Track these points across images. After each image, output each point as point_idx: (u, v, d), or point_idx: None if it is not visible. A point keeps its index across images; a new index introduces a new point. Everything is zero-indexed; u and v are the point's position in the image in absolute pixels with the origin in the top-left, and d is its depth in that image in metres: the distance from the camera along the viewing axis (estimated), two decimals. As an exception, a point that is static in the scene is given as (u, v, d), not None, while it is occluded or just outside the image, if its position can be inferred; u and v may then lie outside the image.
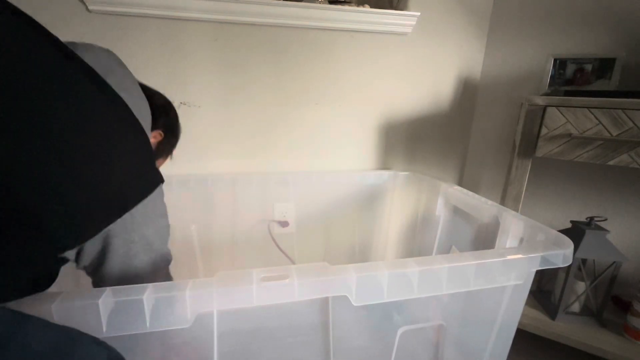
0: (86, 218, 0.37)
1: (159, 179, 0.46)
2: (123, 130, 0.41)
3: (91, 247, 0.42)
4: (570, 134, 0.76)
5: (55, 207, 0.33)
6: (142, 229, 0.45)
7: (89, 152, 0.36)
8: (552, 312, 0.90)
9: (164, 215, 0.50)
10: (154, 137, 0.62)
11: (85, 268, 0.44)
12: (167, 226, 0.50)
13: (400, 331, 0.56)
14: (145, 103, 0.51)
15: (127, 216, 0.41)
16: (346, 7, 0.95)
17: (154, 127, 0.58)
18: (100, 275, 0.44)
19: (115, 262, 0.43)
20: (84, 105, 0.36)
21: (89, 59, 0.39)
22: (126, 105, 0.41)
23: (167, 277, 0.52)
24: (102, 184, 0.37)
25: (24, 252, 0.32)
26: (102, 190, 0.37)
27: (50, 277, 0.37)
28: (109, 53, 0.49)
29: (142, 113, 0.49)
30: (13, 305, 0.32)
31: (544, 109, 0.80)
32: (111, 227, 0.41)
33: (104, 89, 0.39)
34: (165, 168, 1.03)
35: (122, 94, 0.41)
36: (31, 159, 0.31)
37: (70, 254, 0.41)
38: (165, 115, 0.64)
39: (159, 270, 0.48)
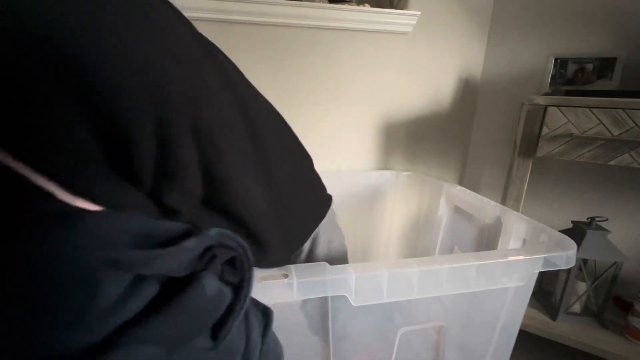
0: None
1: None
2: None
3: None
4: (571, 134, 0.76)
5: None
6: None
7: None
8: (552, 312, 0.90)
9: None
10: None
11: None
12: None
13: (400, 332, 0.56)
14: None
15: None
16: (346, 6, 0.95)
17: None
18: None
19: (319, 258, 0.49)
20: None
21: None
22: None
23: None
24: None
25: None
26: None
27: None
28: None
29: None
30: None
31: (545, 108, 0.79)
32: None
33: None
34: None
35: None
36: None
37: None
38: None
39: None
